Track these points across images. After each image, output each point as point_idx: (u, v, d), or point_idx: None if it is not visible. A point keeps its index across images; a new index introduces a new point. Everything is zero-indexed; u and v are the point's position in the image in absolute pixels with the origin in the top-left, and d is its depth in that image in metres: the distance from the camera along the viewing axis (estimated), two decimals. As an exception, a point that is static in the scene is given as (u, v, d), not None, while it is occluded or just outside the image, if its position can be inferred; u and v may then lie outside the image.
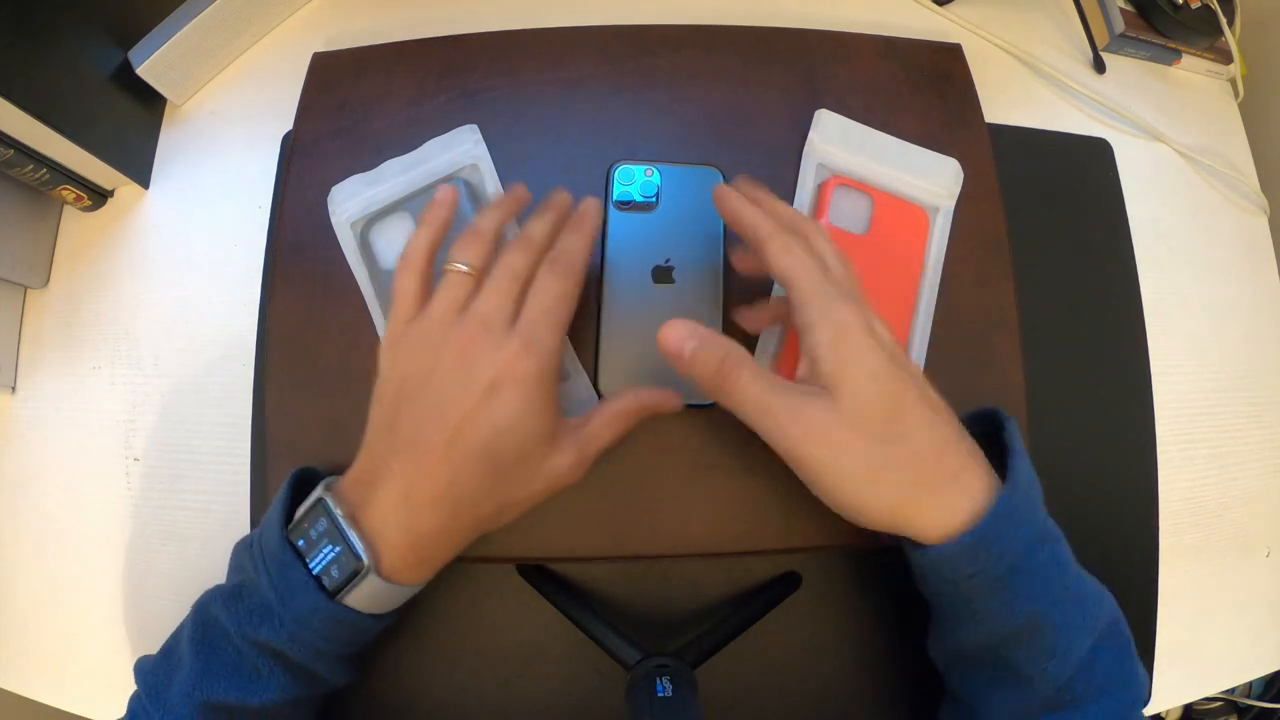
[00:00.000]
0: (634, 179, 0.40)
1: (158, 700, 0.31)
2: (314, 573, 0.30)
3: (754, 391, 0.30)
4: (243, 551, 0.34)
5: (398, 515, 0.30)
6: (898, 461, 0.29)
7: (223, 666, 0.31)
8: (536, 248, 0.33)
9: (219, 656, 0.31)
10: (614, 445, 0.34)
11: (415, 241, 0.33)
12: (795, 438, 0.29)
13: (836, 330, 0.30)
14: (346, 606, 0.31)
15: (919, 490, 0.30)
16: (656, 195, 0.40)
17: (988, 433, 0.34)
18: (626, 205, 0.40)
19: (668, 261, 0.39)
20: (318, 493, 0.32)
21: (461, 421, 0.30)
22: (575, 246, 0.34)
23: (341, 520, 0.30)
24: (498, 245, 0.33)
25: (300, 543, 0.31)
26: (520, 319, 0.31)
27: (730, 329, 0.39)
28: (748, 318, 0.38)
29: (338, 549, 0.30)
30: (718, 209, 0.35)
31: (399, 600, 0.33)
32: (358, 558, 0.30)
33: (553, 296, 0.31)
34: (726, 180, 0.38)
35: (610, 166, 0.41)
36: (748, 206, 0.34)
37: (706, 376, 0.30)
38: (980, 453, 0.31)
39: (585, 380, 0.39)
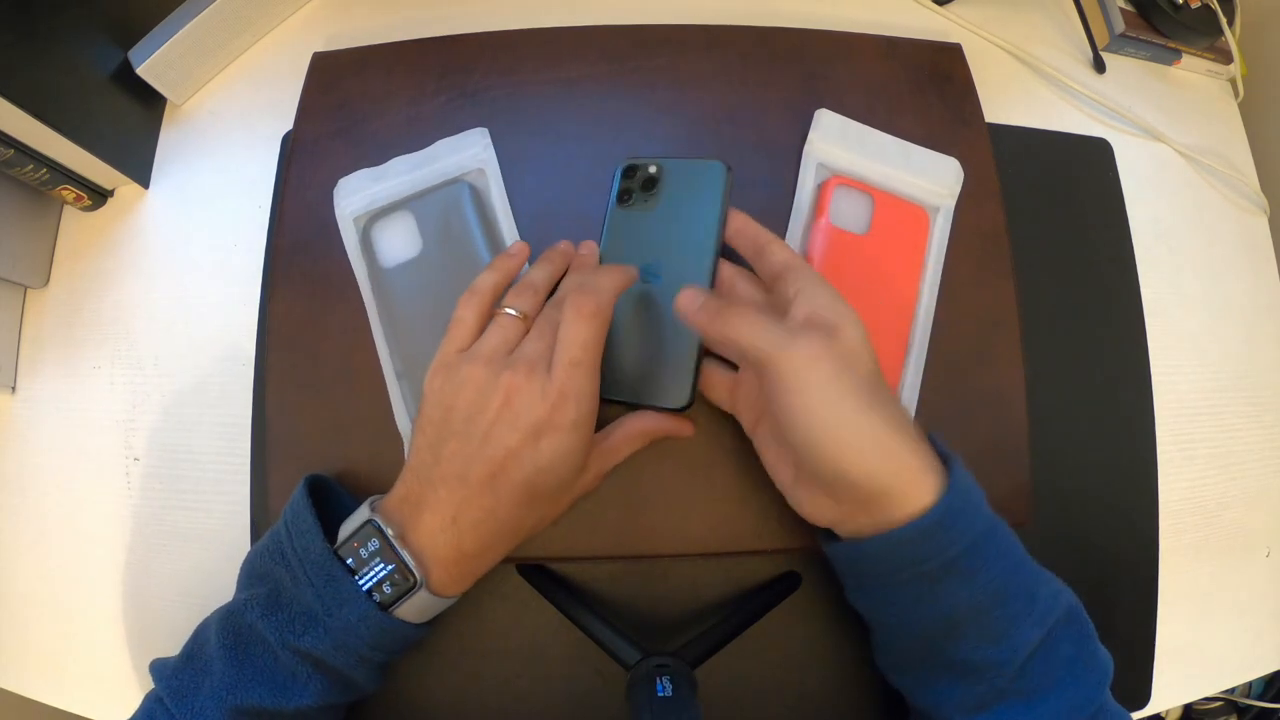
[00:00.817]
0: (636, 174, 0.40)
1: (185, 705, 0.31)
2: (364, 588, 0.31)
3: (757, 320, 0.31)
4: (268, 562, 0.34)
5: (445, 536, 0.32)
6: (886, 420, 0.30)
7: (257, 673, 0.31)
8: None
9: (253, 663, 0.31)
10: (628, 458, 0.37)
11: (483, 280, 0.36)
12: (802, 353, 0.30)
13: (833, 294, 0.33)
14: (395, 617, 0.32)
15: (906, 452, 0.30)
16: (656, 190, 0.39)
17: None
18: (626, 200, 0.40)
19: (660, 258, 0.38)
20: (365, 514, 0.33)
21: (506, 459, 0.32)
22: (605, 286, 0.35)
23: (394, 541, 0.32)
24: (547, 297, 0.37)
25: (350, 560, 0.32)
26: (557, 366, 0.33)
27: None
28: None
29: (390, 567, 0.32)
30: (732, 228, 0.38)
31: (440, 609, 0.34)
32: (410, 575, 0.32)
33: (580, 345, 0.33)
34: (728, 170, 0.38)
35: (618, 166, 0.40)
36: (762, 231, 0.37)
37: (709, 319, 0.33)
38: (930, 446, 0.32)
39: None
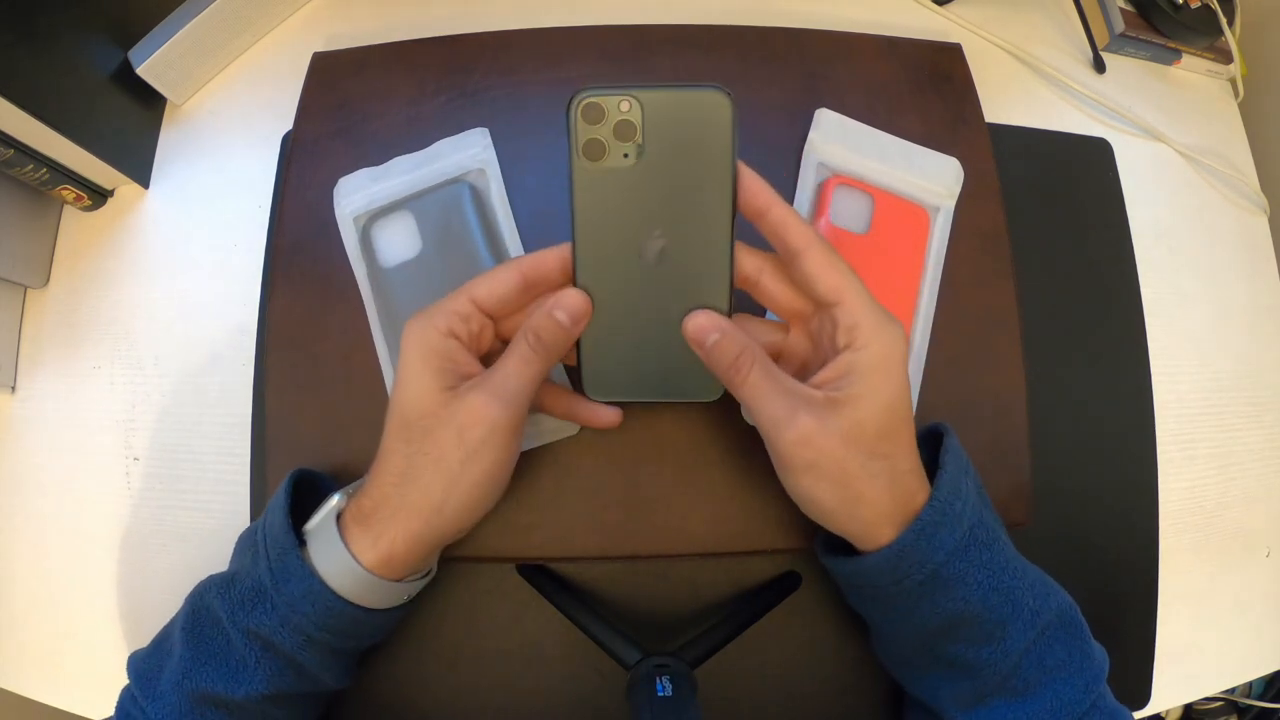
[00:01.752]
0: (604, 117, 0.29)
1: (147, 689, 0.31)
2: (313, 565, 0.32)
3: (761, 387, 0.31)
4: (243, 543, 0.35)
5: (378, 549, 0.32)
6: (875, 474, 0.31)
7: (211, 655, 0.31)
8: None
9: (208, 644, 0.32)
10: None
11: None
12: (785, 436, 0.31)
13: (884, 356, 0.31)
14: (342, 596, 0.31)
15: (891, 504, 0.31)
16: (640, 138, 0.30)
17: (932, 437, 0.36)
18: (598, 155, 0.30)
19: (658, 235, 0.31)
20: (332, 511, 0.33)
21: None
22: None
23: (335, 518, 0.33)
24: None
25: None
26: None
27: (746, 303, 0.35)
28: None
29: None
30: (750, 206, 0.31)
31: (387, 598, 0.33)
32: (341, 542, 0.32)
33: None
34: (733, 104, 0.30)
35: (570, 100, 0.29)
36: (790, 213, 0.32)
37: (723, 367, 0.32)
38: (923, 470, 0.33)
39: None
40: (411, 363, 0.32)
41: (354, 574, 0.32)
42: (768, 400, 0.31)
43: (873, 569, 0.32)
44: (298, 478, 0.35)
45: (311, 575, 0.31)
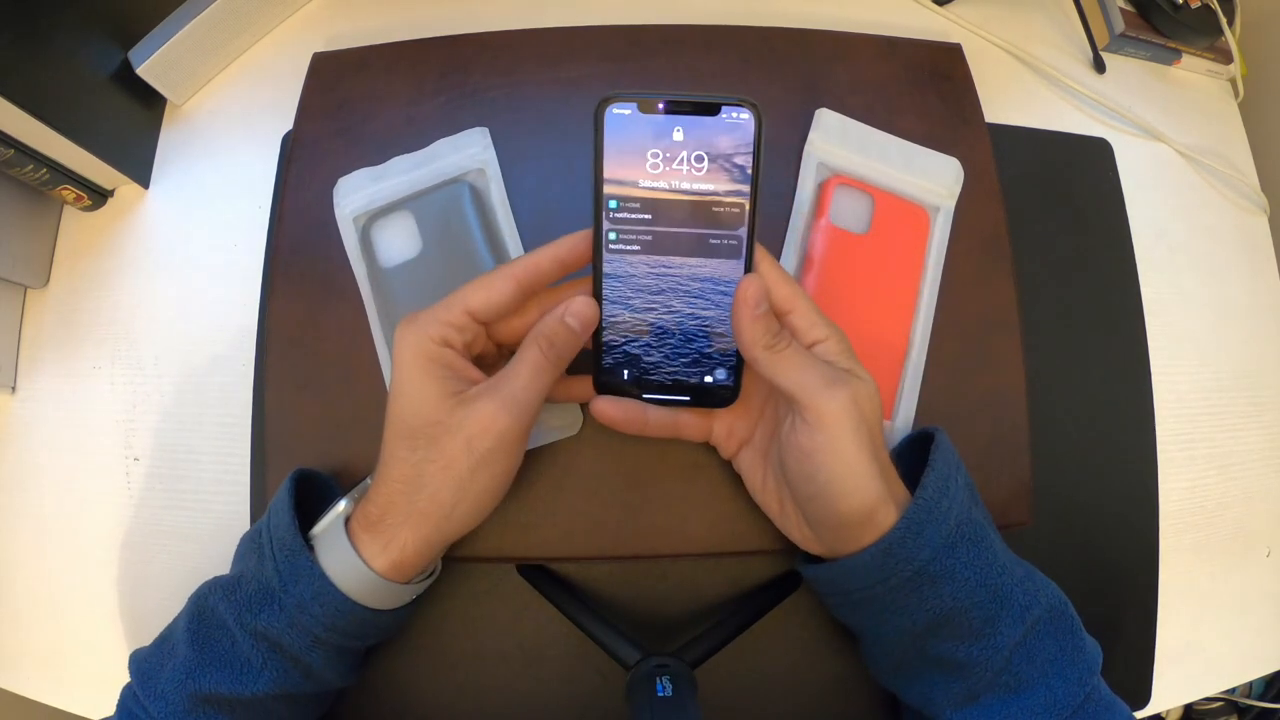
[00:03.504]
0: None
1: (149, 688, 0.31)
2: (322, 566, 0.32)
3: (803, 355, 0.32)
4: (247, 544, 0.34)
5: (389, 554, 0.32)
6: (881, 465, 0.32)
7: (216, 656, 0.31)
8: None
9: (213, 646, 0.32)
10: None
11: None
12: (839, 397, 0.31)
13: (848, 345, 0.34)
14: (351, 598, 0.32)
15: (884, 489, 0.32)
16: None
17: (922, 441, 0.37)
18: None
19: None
20: (340, 516, 0.33)
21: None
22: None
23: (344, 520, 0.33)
24: None
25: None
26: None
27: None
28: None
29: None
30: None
31: (394, 599, 0.34)
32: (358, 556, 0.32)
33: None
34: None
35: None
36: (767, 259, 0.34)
37: (761, 337, 0.32)
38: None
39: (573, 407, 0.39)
40: (410, 370, 0.32)
41: (364, 577, 0.32)
42: (814, 365, 0.32)
43: (860, 568, 0.32)
44: (299, 477, 0.35)
45: (321, 576, 0.31)
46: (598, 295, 0.33)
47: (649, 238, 0.32)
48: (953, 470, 0.33)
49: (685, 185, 0.31)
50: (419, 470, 0.31)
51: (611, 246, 0.32)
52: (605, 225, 0.32)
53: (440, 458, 0.31)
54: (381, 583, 0.32)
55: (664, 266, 0.33)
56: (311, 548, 0.32)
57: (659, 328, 0.34)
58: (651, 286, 0.33)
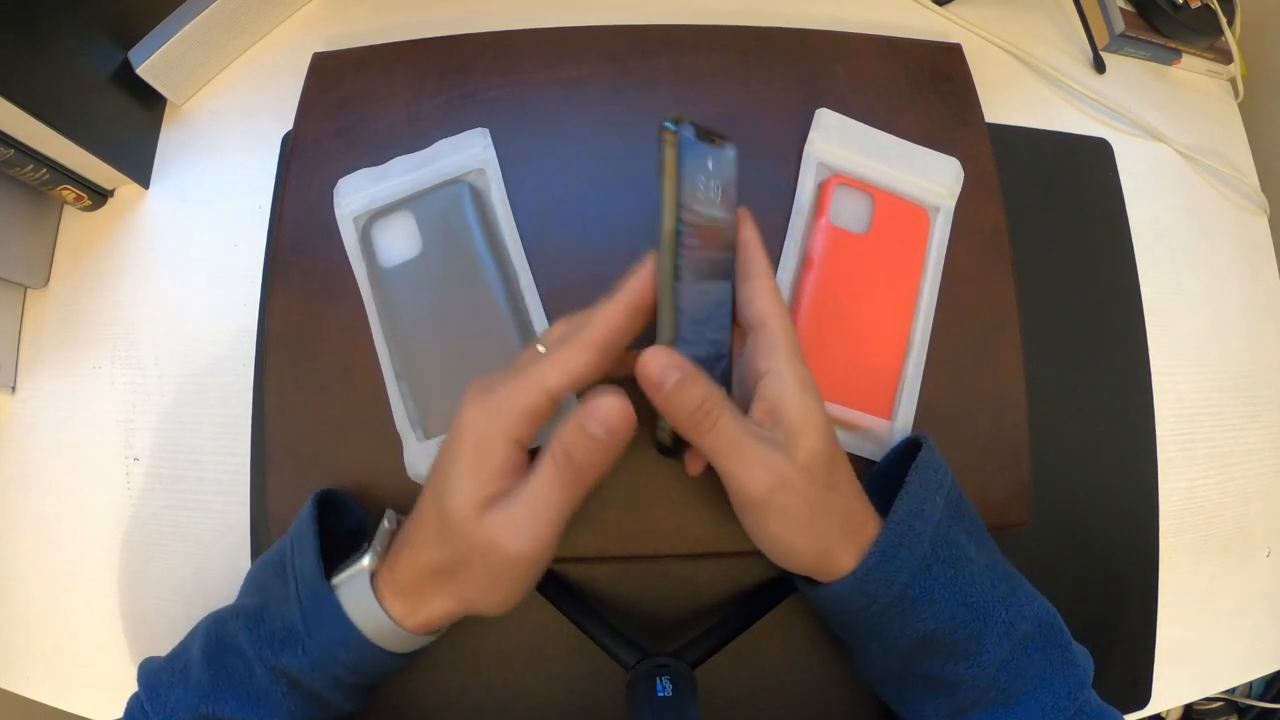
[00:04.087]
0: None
1: (158, 704, 0.31)
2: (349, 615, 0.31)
3: (730, 433, 0.30)
4: (268, 573, 0.34)
5: (417, 618, 0.32)
6: (832, 507, 0.31)
7: (232, 684, 0.31)
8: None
9: (230, 674, 0.31)
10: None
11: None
12: (763, 483, 0.30)
13: (802, 383, 0.31)
14: (378, 646, 0.31)
15: (843, 534, 0.32)
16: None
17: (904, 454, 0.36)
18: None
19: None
20: (365, 573, 0.32)
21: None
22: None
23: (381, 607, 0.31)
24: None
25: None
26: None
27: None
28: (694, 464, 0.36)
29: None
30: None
31: (418, 643, 0.33)
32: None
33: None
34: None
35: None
36: (758, 241, 0.33)
37: (686, 413, 0.29)
38: (864, 494, 0.33)
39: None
40: (464, 455, 0.29)
41: (392, 631, 0.31)
42: (740, 448, 0.30)
43: (840, 596, 0.32)
44: (320, 500, 0.35)
45: (349, 625, 0.31)
46: (669, 338, 0.30)
47: (702, 265, 0.31)
48: (931, 490, 0.33)
49: (713, 212, 0.32)
50: (448, 562, 0.30)
51: (681, 276, 0.30)
52: (678, 254, 0.30)
53: (465, 559, 0.30)
54: (410, 636, 0.32)
55: (703, 293, 0.32)
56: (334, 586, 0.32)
57: (698, 360, 0.31)
58: (699, 316, 0.32)
